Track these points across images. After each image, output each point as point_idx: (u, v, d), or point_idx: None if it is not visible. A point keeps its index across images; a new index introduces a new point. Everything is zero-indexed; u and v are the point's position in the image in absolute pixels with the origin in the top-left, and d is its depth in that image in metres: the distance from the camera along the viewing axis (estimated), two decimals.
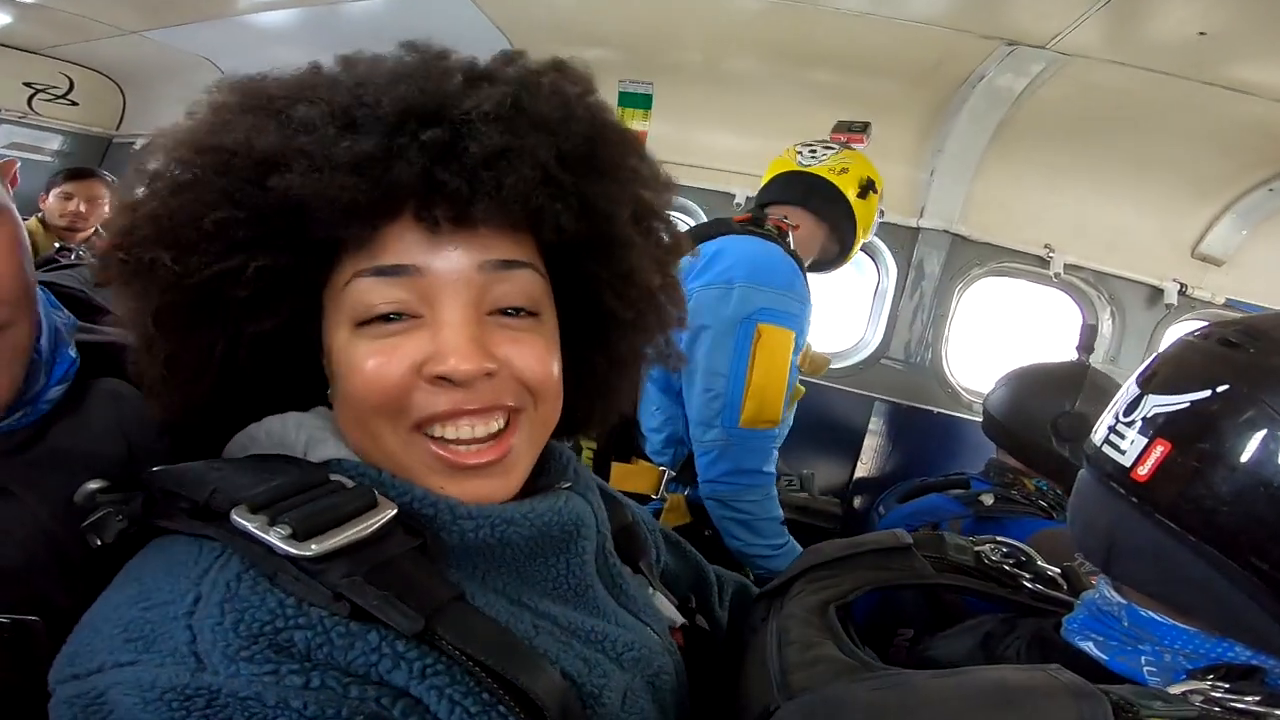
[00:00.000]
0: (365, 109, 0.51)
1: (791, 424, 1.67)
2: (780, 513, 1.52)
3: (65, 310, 0.66)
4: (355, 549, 0.47)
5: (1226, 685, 0.49)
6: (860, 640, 0.65)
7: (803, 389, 1.66)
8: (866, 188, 1.65)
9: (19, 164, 0.64)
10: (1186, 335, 0.62)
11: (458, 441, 0.54)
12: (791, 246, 1.57)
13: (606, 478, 1.55)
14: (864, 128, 1.71)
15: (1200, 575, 0.54)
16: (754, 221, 1.58)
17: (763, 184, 1.72)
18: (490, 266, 0.53)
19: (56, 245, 2.57)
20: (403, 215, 0.52)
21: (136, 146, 3.87)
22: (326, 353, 0.57)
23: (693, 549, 0.90)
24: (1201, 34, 1.72)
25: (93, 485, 0.50)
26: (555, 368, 0.58)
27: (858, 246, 1.73)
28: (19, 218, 0.54)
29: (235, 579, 0.45)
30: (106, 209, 2.77)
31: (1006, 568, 0.76)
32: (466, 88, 0.53)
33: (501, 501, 0.56)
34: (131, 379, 0.60)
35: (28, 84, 3.72)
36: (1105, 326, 2.48)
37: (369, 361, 0.52)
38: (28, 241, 0.55)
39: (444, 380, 0.52)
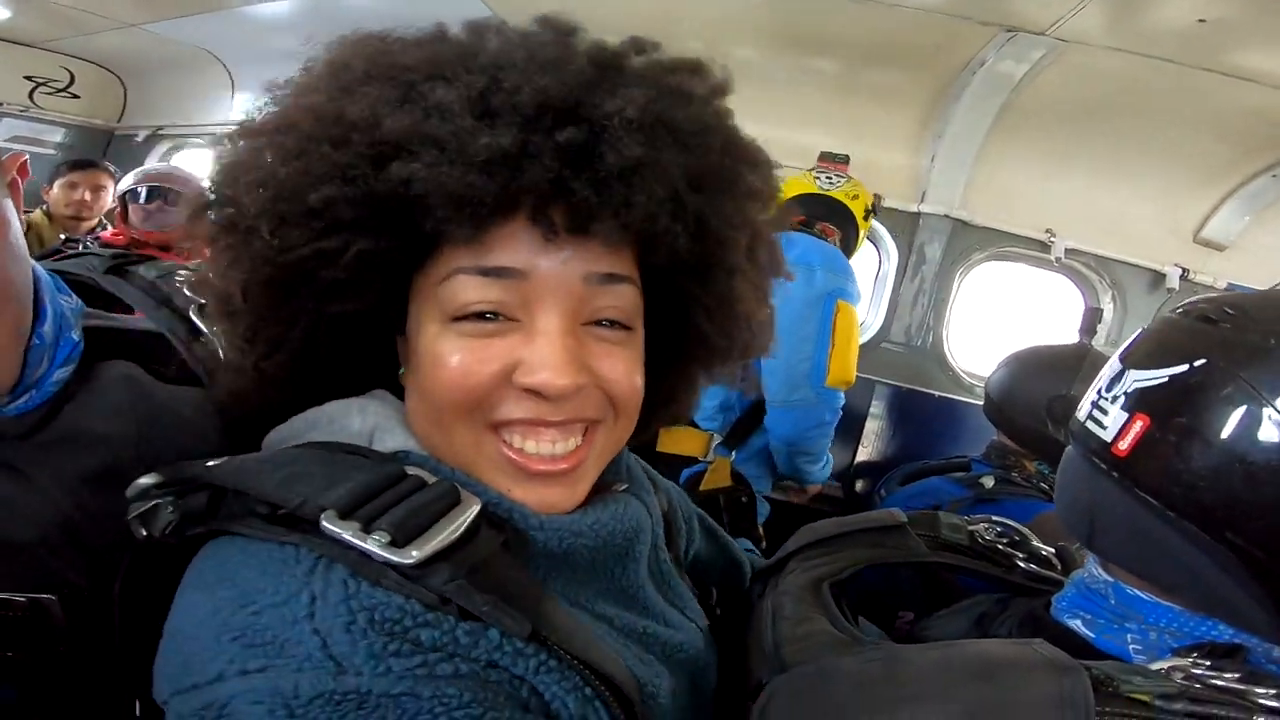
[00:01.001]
0: (503, 95, 0.48)
1: None
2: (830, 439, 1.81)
3: (74, 295, 0.65)
4: (452, 550, 0.45)
5: (1208, 663, 0.49)
6: (855, 619, 0.66)
7: None
8: (869, 212, 1.98)
9: (26, 157, 0.64)
10: (1168, 312, 0.62)
11: (535, 452, 0.52)
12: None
13: (654, 440, 1.72)
14: (845, 159, 2.00)
15: (1179, 551, 0.54)
16: (806, 225, 1.83)
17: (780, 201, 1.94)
18: (595, 279, 0.51)
19: (63, 237, 2.59)
20: (517, 216, 0.49)
21: (139, 139, 3.90)
22: (409, 340, 0.55)
23: (728, 538, 0.88)
24: (1201, 21, 1.71)
25: (146, 480, 0.48)
26: (640, 382, 0.56)
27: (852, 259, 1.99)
28: (10, 214, 0.53)
29: (351, 579, 0.43)
30: (110, 199, 2.78)
31: (1000, 547, 0.76)
32: (603, 81, 0.50)
33: (566, 510, 0.54)
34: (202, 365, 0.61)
35: (29, 77, 3.74)
36: (1107, 311, 2.47)
37: (457, 358, 0.50)
38: (17, 234, 0.54)
39: (533, 391, 0.50)
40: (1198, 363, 0.54)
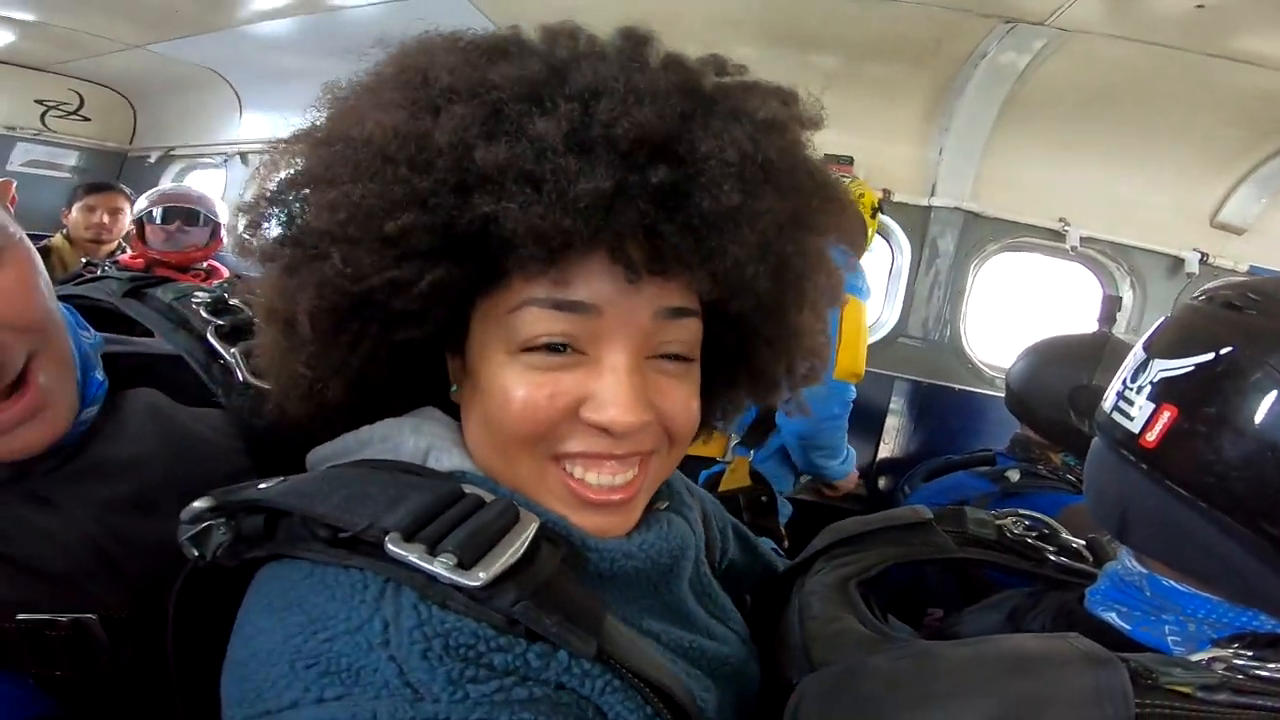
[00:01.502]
0: (599, 128, 0.45)
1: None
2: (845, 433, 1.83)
3: (90, 329, 0.67)
4: (517, 570, 0.44)
5: (1250, 654, 0.48)
6: (885, 617, 0.65)
7: None
8: (875, 210, 2.01)
9: (15, 184, 0.65)
10: (1191, 299, 0.61)
11: (596, 484, 0.52)
12: None
13: None
14: (849, 160, 2.08)
15: (1212, 541, 0.53)
16: None
17: None
18: (665, 314, 0.50)
19: (84, 261, 2.63)
20: (599, 251, 0.47)
21: (151, 160, 3.95)
22: (469, 363, 0.54)
23: (761, 545, 0.88)
24: (1199, 6, 1.70)
25: (200, 504, 0.47)
26: (696, 409, 0.55)
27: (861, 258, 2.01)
28: (29, 244, 0.55)
29: (420, 604, 0.42)
30: (127, 220, 2.82)
31: (1029, 540, 0.75)
32: (696, 114, 0.48)
33: (620, 535, 0.54)
34: (253, 370, 0.62)
35: (39, 101, 3.79)
36: (1126, 298, 2.45)
37: (523, 390, 0.49)
38: (44, 269, 0.56)
39: (600, 428, 0.50)
40: (1224, 350, 0.54)
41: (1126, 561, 0.62)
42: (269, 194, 0.52)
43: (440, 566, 0.42)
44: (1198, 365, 0.55)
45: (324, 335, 0.51)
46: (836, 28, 2.18)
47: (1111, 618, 0.60)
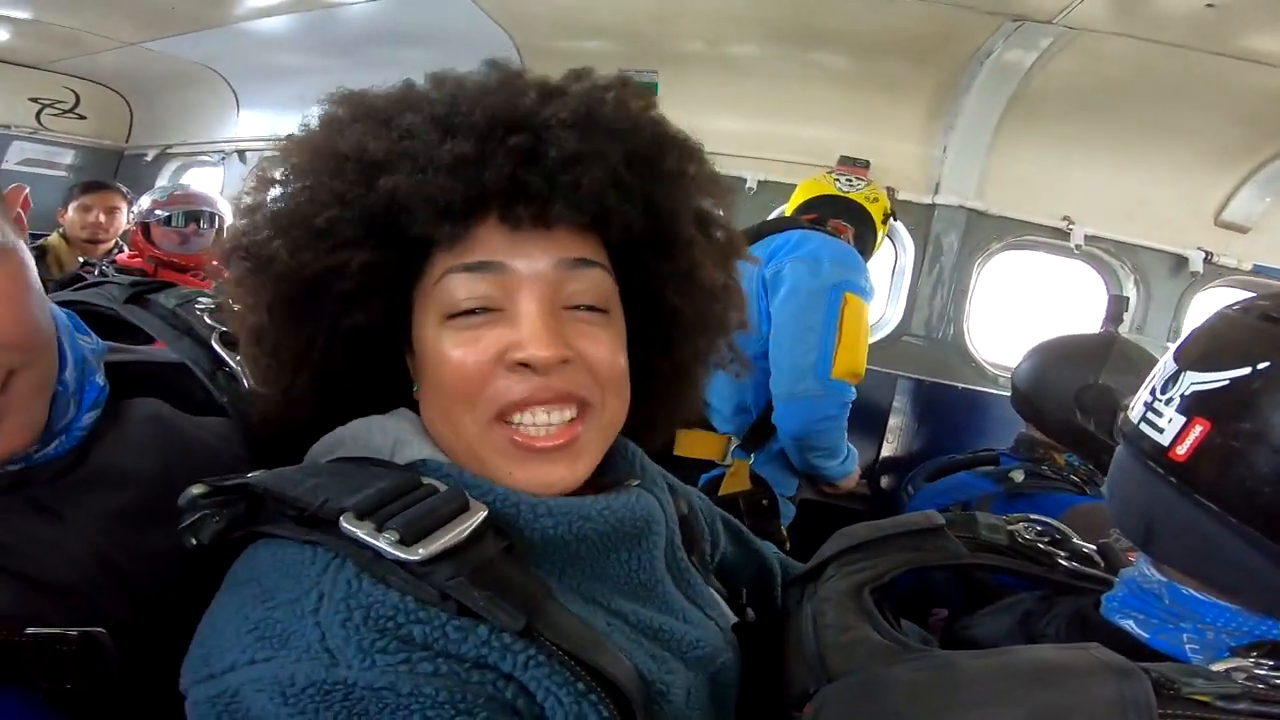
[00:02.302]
0: (460, 117, 0.56)
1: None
2: (845, 435, 1.76)
3: (93, 335, 0.65)
4: (456, 551, 0.49)
5: (1271, 662, 0.48)
6: (897, 621, 0.65)
7: None
8: (887, 216, 1.97)
9: (27, 189, 0.64)
10: (1225, 309, 0.60)
11: (533, 426, 0.57)
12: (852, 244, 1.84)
13: (673, 443, 1.72)
14: (866, 164, 2.06)
15: (1241, 556, 0.53)
16: (819, 223, 1.83)
17: (798, 201, 2.00)
18: (566, 265, 0.58)
19: (81, 260, 2.61)
20: (490, 216, 0.56)
21: (148, 158, 3.93)
22: (416, 348, 0.61)
23: (756, 540, 0.90)
24: (1209, 5, 1.70)
25: (195, 490, 0.51)
26: (623, 362, 0.61)
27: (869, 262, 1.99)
28: (27, 257, 0.53)
29: (354, 577, 0.47)
30: (124, 219, 2.80)
31: (1041, 546, 0.75)
32: (543, 100, 0.58)
33: (568, 487, 0.59)
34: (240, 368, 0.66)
35: (34, 99, 3.78)
36: (1131, 297, 2.44)
37: (455, 351, 0.56)
38: (37, 278, 0.54)
39: (524, 367, 0.55)
40: (1261, 365, 0.53)
41: (1145, 569, 0.61)
42: (232, 226, 0.62)
43: (384, 542, 0.47)
44: (1233, 380, 0.54)
45: (283, 324, 0.59)
46: (841, 25, 2.18)
47: (1129, 625, 0.60)
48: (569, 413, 0.58)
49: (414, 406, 0.63)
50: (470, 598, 0.47)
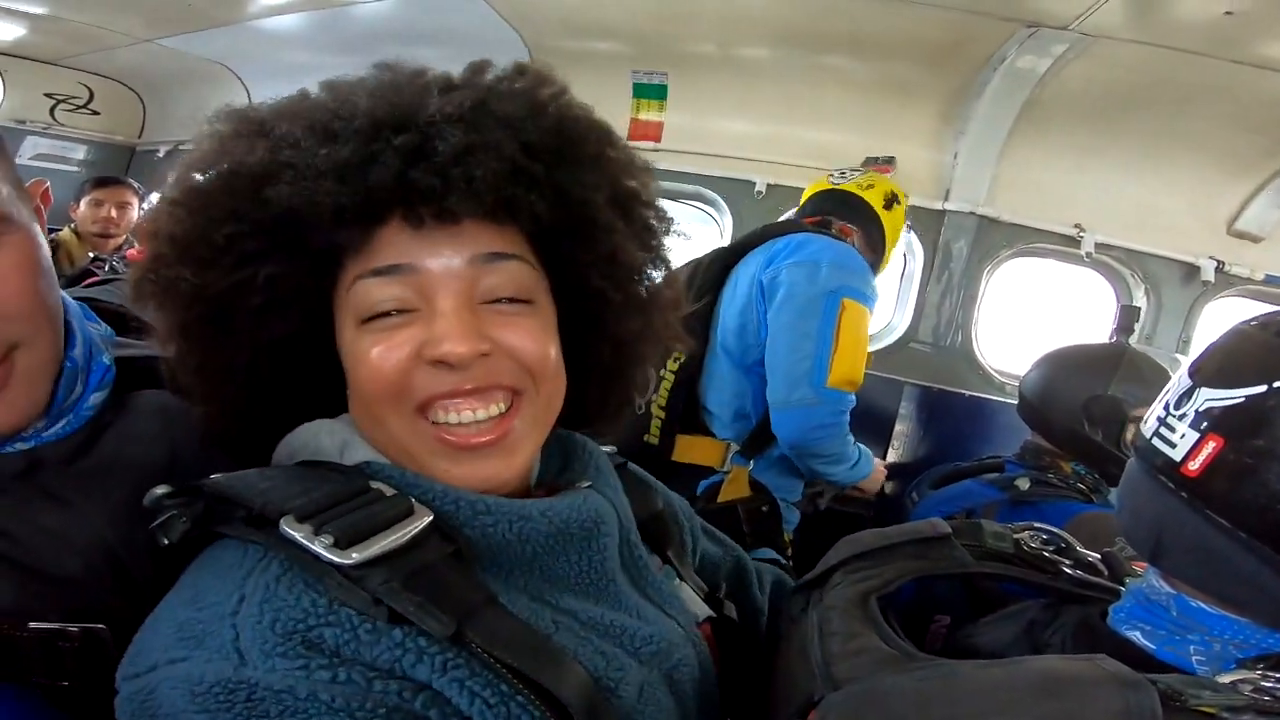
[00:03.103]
0: (342, 122, 0.55)
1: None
2: (850, 440, 1.71)
3: (102, 322, 0.67)
4: (393, 556, 0.49)
5: (1278, 675, 0.48)
6: (903, 633, 0.64)
7: None
8: (891, 200, 1.85)
9: (48, 183, 0.65)
10: (1242, 324, 0.60)
11: (460, 425, 0.57)
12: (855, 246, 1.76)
13: (671, 449, 1.70)
14: (890, 160, 1.99)
15: (1251, 571, 0.53)
16: (823, 225, 1.77)
17: (802, 203, 1.94)
18: (479, 260, 0.57)
19: (91, 255, 2.63)
20: (392, 219, 0.56)
21: (160, 154, 3.95)
22: (342, 354, 0.60)
23: (729, 539, 0.91)
24: (1228, 13, 1.68)
25: (159, 490, 0.51)
26: (552, 349, 0.61)
27: (889, 255, 1.91)
28: (37, 236, 0.56)
29: (275, 580, 0.48)
30: (135, 214, 2.82)
31: (1046, 554, 0.75)
32: (430, 96, 0.57)
33: (506, 483, 0.59)
34: (170, 390, 0.63)
35: (49, 95, 3.80)
36: (1141, 305, 2.42)
37: (372, 351, 0.56)
38: (48, 260, 0.56)
39: (441, 364, 0.55)
40: (1277, 384, 0.53)
41: (1153, 581, 0.61)
42: (140, 250, 0.60)
43: (319, 545, 0.48)
44: (1249, 397, 0.53)
45: (202, 343, 0.59)
46: (852, 29, 2.17)
47: (1136, 636, 0.60)
48: (497, 406, 0.58)
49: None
50: (400, 603, 0.48)
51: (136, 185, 2.96)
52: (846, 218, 1.81)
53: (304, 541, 0.48)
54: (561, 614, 0.58)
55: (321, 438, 0.60)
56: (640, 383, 0.77)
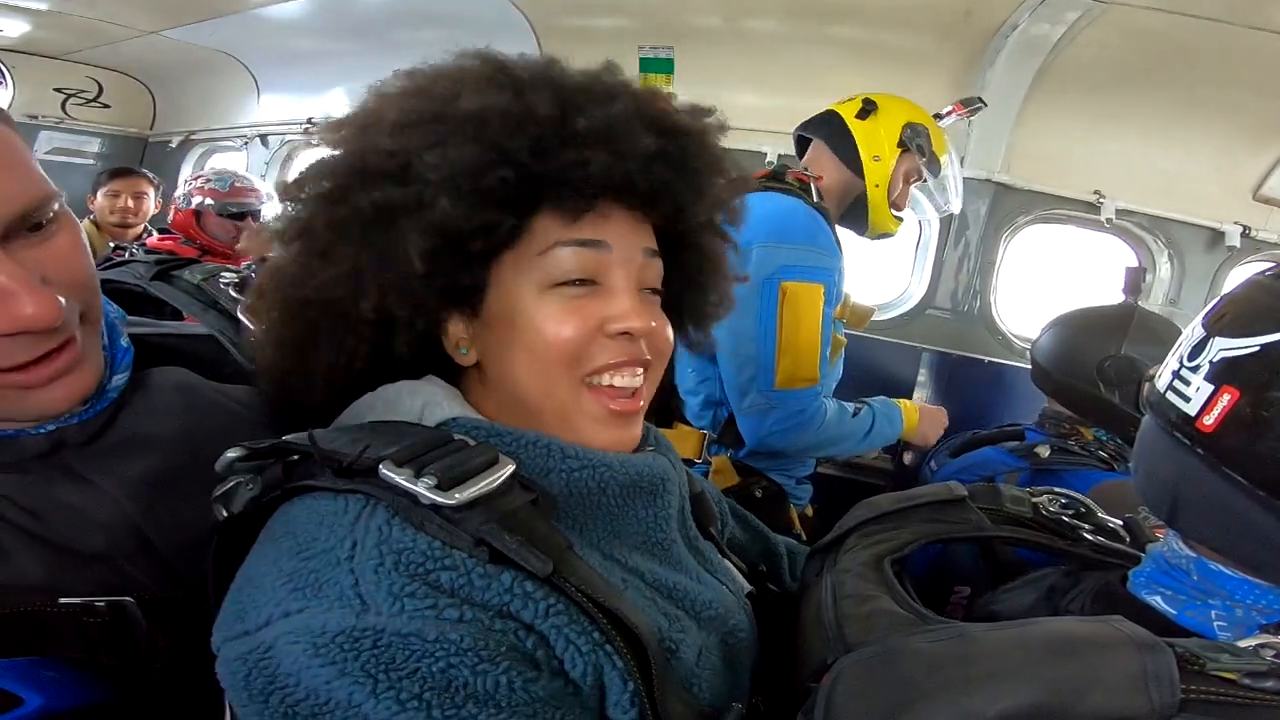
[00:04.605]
0: (641, 113, 0.62)
1: (840, 376, 1.66)
2: (844, 418, 1.53)
3: (114, 304, 0.68)
4: (488, 499, 0.51)
5: None
6: (916, 597, 0.64)
7: (843, 339, 1.63)
8: (867, 108, 1.59)
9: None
10: (1257, 274, 0.58)
11: (621, 389, 0.63)
12: (816, 200, 1.53)
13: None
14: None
15: (1271, 532, 0.51)
16: (773, 177, 1.53)
17: None
18: (647, 253, 0.65)
19: (111, 245, 2.66)
20: (605, 200, 0.61)
21: (173, 145, 3.98)
22: (496, 312, 0.62)
23: (759, 522, 0.92)
24: None
25: (232, 453, 0.53)
26: (671, 334, 0.68)
27: (886, 173, 1.60)
28: (74, 214, 0.57)
29: (385, 524, 0.49)
30: (151, 204, 2.85)
31: (1065, 519, 0.74)
32: (665, 102, 0.66)
33: (635, 445, 0.65)
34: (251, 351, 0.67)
35: (59, 89, 3.84)
36: (1164, 270, 2.38)
37: (560, 318, 0.60)
38: (87, 241, 0.58)
39: (623, 335, 0.61)
40: None
41: (1174, 544, 0.60)
42: (379, 148, 0.59)
43: (422, 487, 0.49)
44: (1264, 345, 0.52)
45: (428, 270, 0.59)
46: None
47: (1156, 601, 0.59)
48: (642, 377, 0.64)
49: (440, 372, 0.66)
50: (503, 542, 0.49)
51: (151, 175, 2.99)
52: (824, 135, 1.61)
53: (407, 484, 0.49)
54: (629, 573, 0.60)
55: (404, 397, 0.62)
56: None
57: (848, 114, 1.60)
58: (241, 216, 2.38)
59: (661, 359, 0.66)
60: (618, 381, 0.62)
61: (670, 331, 0.67)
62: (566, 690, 0.49)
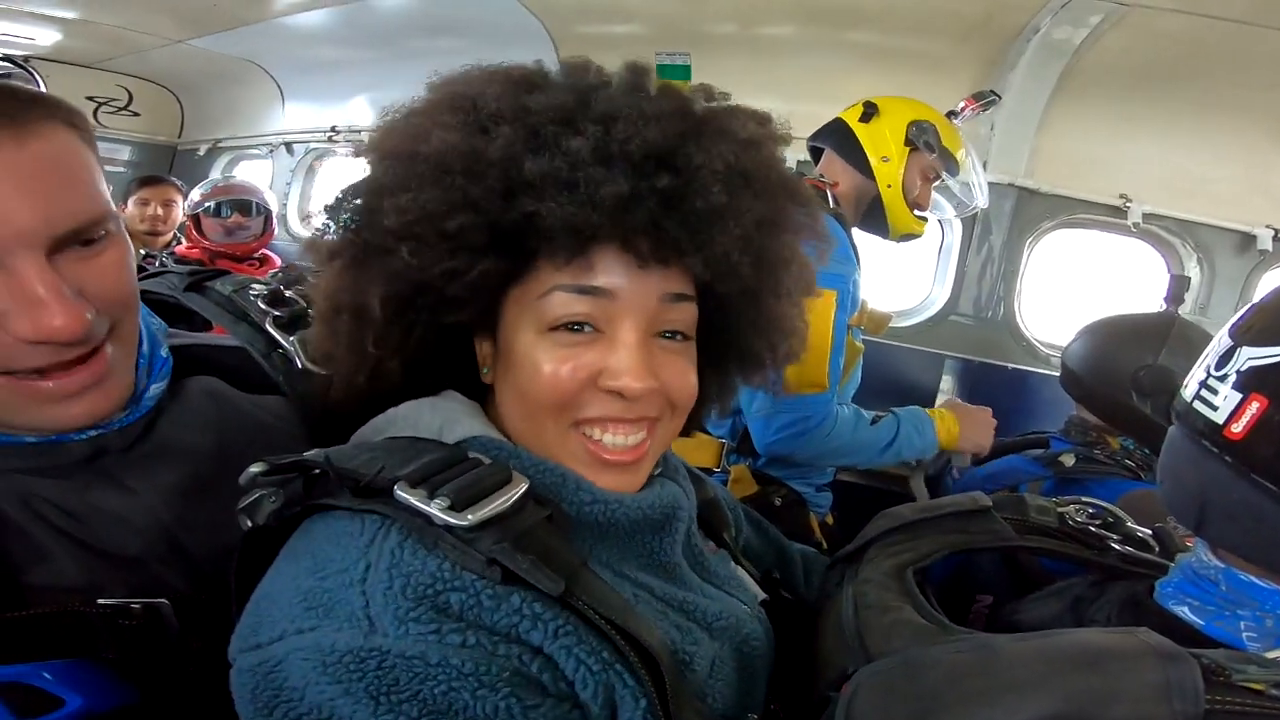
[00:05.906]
0: (617, 145, 0.55)
1: (858, 383, 1.66)
2: (860, 427, 1.51)
3: (156, 317, 0.70)
4: (501, 519, 0.51)
5: None
6: (938, 605, 0.64)
7: (860, 346, 1.63)
8: (869, 111, 1.61)
9: None
10: None
11: (611, 444, 0.60)
12: (833, 206, 1.55)
13: None
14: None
15: None
16: None
17: None
18: (668, 298, 0.59)
19: (143, 252, 2.73)
20: (613, 243, 0.56)
21: (200, 153, 4.06)
22: (503, 347, 0.62)
23: (774, 528, 0.92)
24: None
25: (255, 468, 0.53)
26: (695, 383, 0.63)
27: (896, 174, 1.59)
28: (127, 234, 0.60)
29: (398, 546, 0.49)
30: (180, 212, 2.91)
31: (1092, 529, 0.73)
32: (689, 132, 0.57)
33: (634, 491, 0.62)
34: (310, 355, 0.69)
35: (90, 98, 3.91)
36: (1193, 275, 2.33)
37: (551, 364, 0.58)
38: (133, 259, 0.60)
39: (615, 393, 0.58)
40: None
41: (1202, 554, 0.59)
42: (345, 197, 0.60)
43: (435, 508, 0.49)
44: None
45: (390, 318, 0.59)
46: (878, 3, 2.11)
47: (1183, 612, 0.58)
48: (642, 434, 0.61)
49: (461, 387, 0.66)
50: (515, 562, 0.49)
51: (180, 183, 3.05)
52: (834, 145, 1.62)
53: (420, 505, 0.49)
54: (640, 589, 0.60)
55: (424, 414, 0.62)
56: (727, 407, 0.81)
57: (851, 119, 1.63)
58: (229, 213, 2.56)
59: (678, 411, 0.63)
60: (607, 439, 0.59)
61: (694, 380, 0.62)
62: (573, 716, 0.49)
